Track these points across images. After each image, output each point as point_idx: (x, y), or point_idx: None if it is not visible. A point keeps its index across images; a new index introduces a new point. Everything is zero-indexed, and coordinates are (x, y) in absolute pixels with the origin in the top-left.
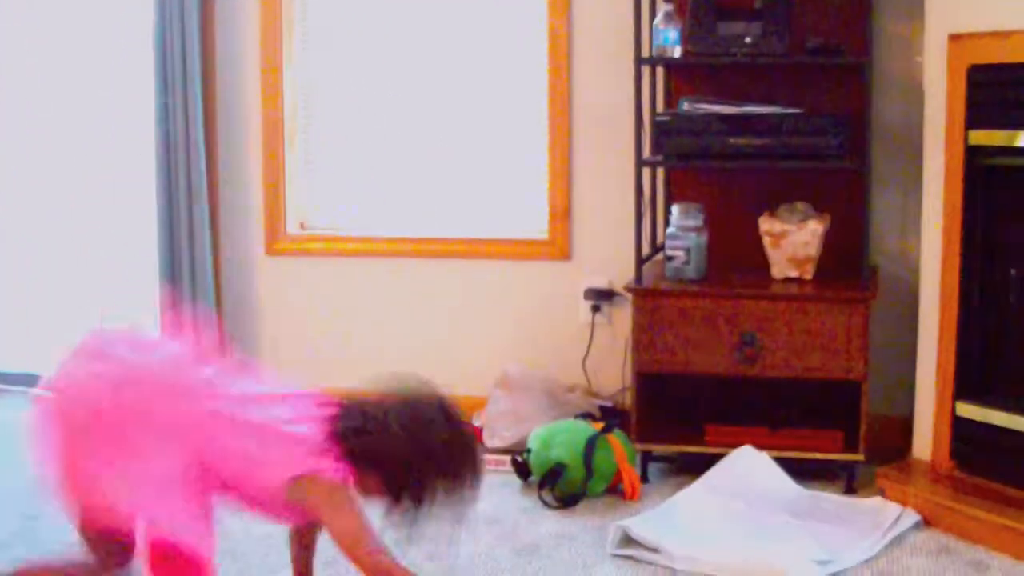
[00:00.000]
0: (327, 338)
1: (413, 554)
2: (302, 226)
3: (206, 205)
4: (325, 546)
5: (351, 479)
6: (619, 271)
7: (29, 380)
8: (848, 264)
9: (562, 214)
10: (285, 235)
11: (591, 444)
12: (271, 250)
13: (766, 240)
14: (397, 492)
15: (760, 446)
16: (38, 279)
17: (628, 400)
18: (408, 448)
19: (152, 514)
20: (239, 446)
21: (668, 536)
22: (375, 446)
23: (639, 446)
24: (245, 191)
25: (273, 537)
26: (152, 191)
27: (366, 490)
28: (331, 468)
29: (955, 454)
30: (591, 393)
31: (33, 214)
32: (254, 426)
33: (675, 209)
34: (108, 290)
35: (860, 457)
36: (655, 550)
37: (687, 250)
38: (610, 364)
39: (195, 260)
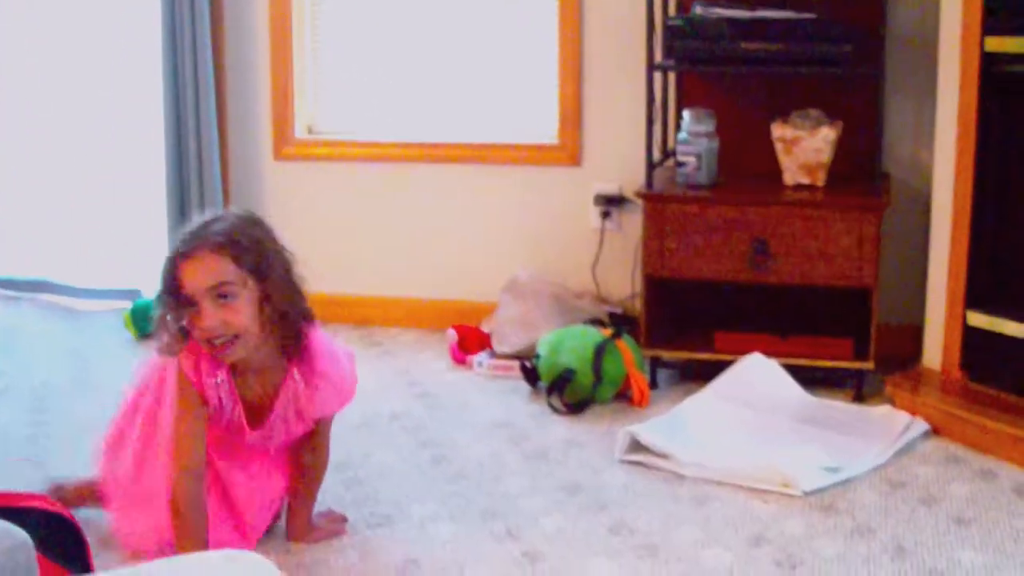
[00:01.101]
0: (335, 244)
1: None
2: (310, 131)
3: (214, 110)
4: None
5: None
6: (629, 177)
7: (38, 286)
8: (860, 172)
9: (572, 119)
10: (293, 140)
11: (600, 350)
12: (279, 155)
13: (778, 146)
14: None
15: (769, 353)
16: (47, 186)
17: (637, 306)
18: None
19: None
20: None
21: (676, 442)
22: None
23: (648, 352)
24: (253, 95)
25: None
26: (159, 96)
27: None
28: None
29: (965, 363)
30: (600, 299)
31: (41, 120)
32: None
33: (686, 114)
34: (116, 194)
35: (870, 365)
36: (663, 456)
37: (698, 156)
38: (619, 270)
39: (203, 164)
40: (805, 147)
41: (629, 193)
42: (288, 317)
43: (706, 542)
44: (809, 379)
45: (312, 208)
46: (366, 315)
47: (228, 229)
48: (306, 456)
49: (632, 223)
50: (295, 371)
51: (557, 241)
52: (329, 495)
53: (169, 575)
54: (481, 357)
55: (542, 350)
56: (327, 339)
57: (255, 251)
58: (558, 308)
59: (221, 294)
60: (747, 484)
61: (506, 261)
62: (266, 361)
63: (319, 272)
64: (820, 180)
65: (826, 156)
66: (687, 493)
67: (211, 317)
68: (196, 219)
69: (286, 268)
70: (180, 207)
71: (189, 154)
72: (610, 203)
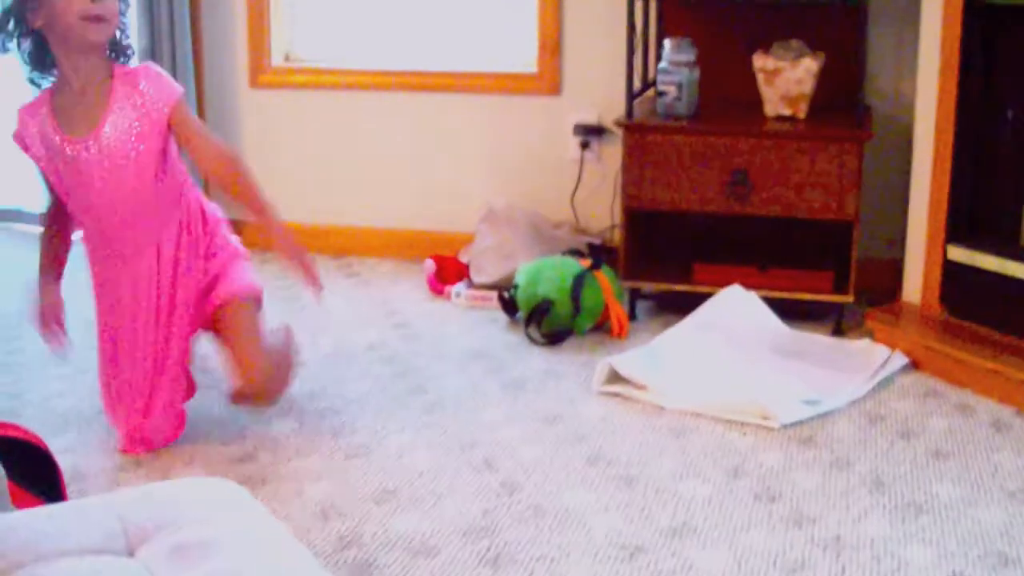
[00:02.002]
0: (312, 173)
1: None
2: (287, 58)
3: (188, 36)
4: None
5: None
6: (609, 106)
7: (10, 215)
8: (842, 103)
9: (552, 48)
10: (270, 67)
11: (579, 281)
12: (255, 83)
13: (759, 77)
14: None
15: (749, 286)
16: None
17: (616, 237)
18: None
19: None
20: None
21: (655, 374)
22: None
23: (627, 283)
24: (229, 22)
25: None
26: (133, 22)
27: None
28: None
29: (945, 298)
30: (579, 230)
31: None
32: None
33: (667, 43)
34: None
35: (850, 299)
36: (642, 387)
37: (679, 86)
38: (599, 201)
39: None
40: (787, 78)
41: (608, 123)
42: (124, 30)
43: (684, 474)
44: (789, 312)
45: (289, 137)
46: (343, 245)
47: None
48: (200, 162)
49: (611, 153)
50: (119, 76)
51: (536, 171)
52: (306, 424)
53: (141, 501)
54: (459, 287)
55: (520, 280)
56: None
57: None
58: (536, 238)
59: None
60: (725, 416)
61: (484, 191)
62: (92, 76)
63: (296, 202)
64: (801, 111)
65: (808, 87)
66: (665, 424)
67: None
68: None
69: None
70: None
71: None
72: (589, 133)
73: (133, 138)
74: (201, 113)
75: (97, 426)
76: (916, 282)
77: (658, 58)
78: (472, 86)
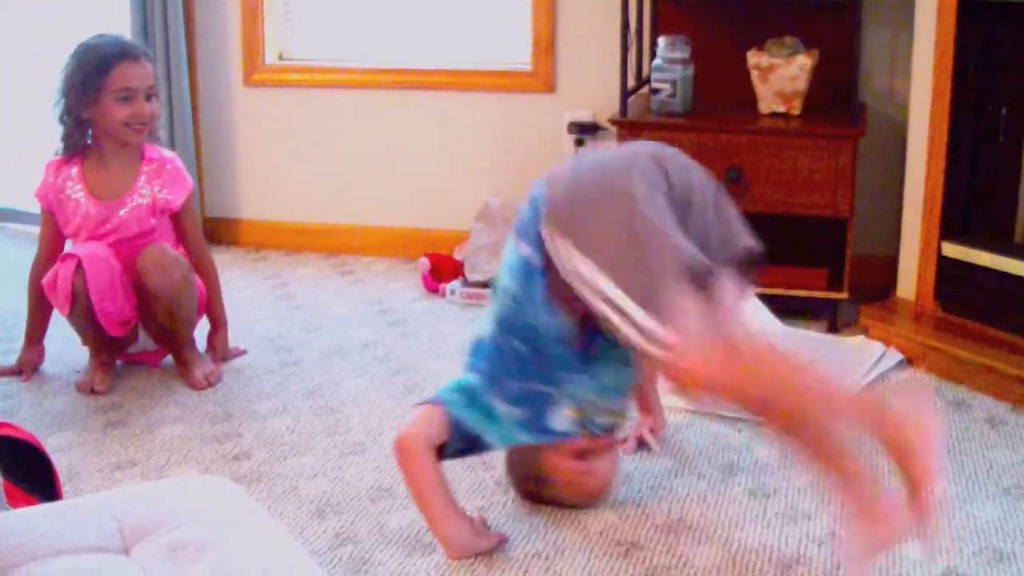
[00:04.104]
0: (306, 172)
1: None
2: (280, 57)
3: (182, 34)
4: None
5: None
6: (604, 104)
7: (7, 215)
8: (836, 101)
9: (546, 46)
10: (263, 66)
11: None
12: (249, 81)
13: (754, 74)
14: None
15: None
16: (12, 114)
17: None
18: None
19: None
20: None
21: None
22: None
23: None
24: (222, 20)
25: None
26: (127, 20)
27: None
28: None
29: (939, 294)
30: None
31: (5, 47)
32: None
33: (662, 41)
34: None
35: (844, 295)
36: None
37: (673, 83)
38: None
39: (171, 90)
40: (781, 75)
41: (603, 121)
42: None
43: (679, 470)
44: (783, 309)
45: (283, 135)
46: (338, 244)
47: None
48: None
49: None
50: (148, 161)
51: (530, 169)
52: (301, 422)
53: (137, 500)
54: (454, 285)
55: None
56: None
57: None
58: None
59: (151, 94)
60: (720, 413)
61: (479, 189)
62: (127, 155)
63: (290, 200)
64: (796, 109)
65: (802, 84)
66: None
67: (149, 109)
68: (97, 38)
69: None
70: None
71: (158, 79)
72: (584, 131)
73: (146, 214)
74: (195, 111)
75: (92, 425)
76: (911, 279)
77: (652, 55)
78: (466, 84)
